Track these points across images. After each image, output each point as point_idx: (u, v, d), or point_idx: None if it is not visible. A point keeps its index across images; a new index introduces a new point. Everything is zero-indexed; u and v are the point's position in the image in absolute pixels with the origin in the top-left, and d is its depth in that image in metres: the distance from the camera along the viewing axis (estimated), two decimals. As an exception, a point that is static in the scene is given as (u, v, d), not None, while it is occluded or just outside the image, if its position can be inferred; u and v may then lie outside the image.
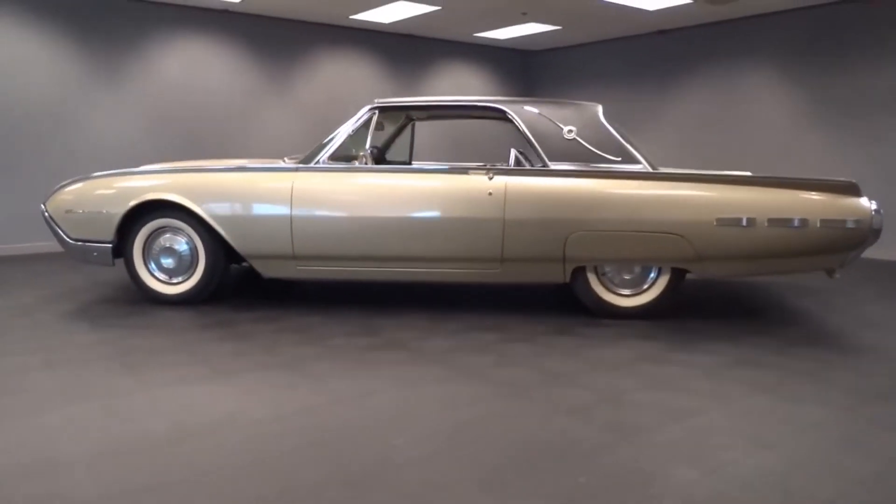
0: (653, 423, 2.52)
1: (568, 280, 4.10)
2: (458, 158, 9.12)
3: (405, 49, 8.97)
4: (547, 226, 3.97)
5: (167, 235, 4.39)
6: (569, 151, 4.08)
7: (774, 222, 3.79)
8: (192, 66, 7.47)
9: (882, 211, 3.81)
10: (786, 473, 2.13)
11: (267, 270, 4.34)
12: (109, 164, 6.94)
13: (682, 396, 2.81)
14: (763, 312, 4.40)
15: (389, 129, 5.37)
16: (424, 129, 8.88)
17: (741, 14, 7.58)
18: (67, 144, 6.82)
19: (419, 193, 4.09)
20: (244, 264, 4.60)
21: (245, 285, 5.08)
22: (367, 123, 4.29)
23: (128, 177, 4.40)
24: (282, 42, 8.01)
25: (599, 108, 4.21)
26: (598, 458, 2.22)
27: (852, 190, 3.83)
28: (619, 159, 4.06)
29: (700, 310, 4.46)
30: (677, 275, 4.06)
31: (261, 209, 4.20)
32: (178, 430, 2.40)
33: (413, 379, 3.00)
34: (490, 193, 4.00)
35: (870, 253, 6.61)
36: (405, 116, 5.42)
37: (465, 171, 4.12)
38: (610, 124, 4.19)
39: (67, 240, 4.45)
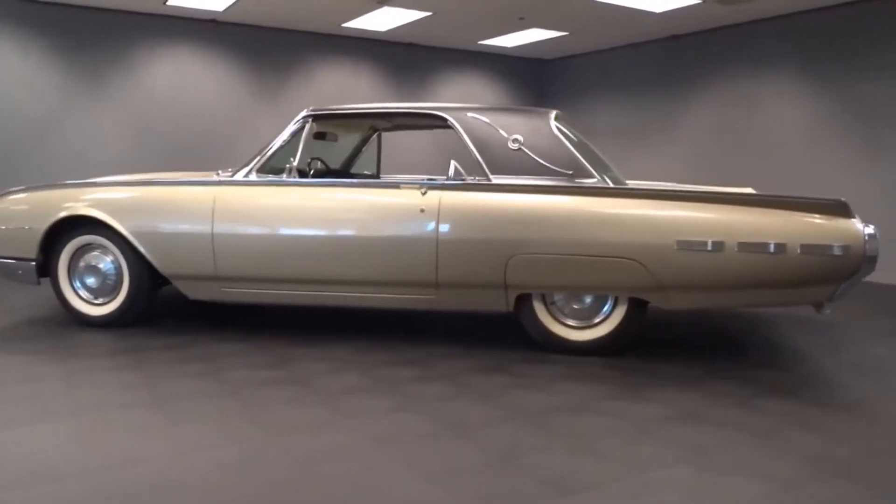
0: (530, 499, 2.03)
1: (511, 309, 3.62)
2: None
3: (407, 58, 8.63)
4: (485, 247, 3.50)
5: (95, 253, 4.10)
6: (514, 163, 3.61)
7: (746, 247, 3.23)
8: (179, 77, 7.29)
9: (878, 235, 3.20)
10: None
11: (191, 292, 3.99)
12: (94, 176, 6.79)
13: (588, 462, 2.30)
14: (743, 350, 3.82)
15: (351, 141, 5.00)
16: (409, 140, 8.45)
17: (759, 16, 6.94)
18: (52, 156, 6.70)
19: (344, 210, 3.69)
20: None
21: (214, 308, 4.76)
22: (300, 133, 3.92)
23: (53, 190, 4.14)
24: (273, 52, 7.78)
25: (552, 115, 3.73)
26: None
27: (840, 210, 3.23)
28: (570, 172, 3.56)
29: (669, 345, 3.90)
30: (636, 306, 3.52)
31: (182, 226, 3.86)
32: (-40, 488, 2.04)
33: (285, 424, 2.57)
34: (422, 210, 3.56)
35: (891, 277, 5.87)
36: (369, 127, 5.04)
37: (396, 185, 3.69)
38: (564, 133, 3.71)
39: (-7, 257, 4.21)
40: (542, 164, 3.58)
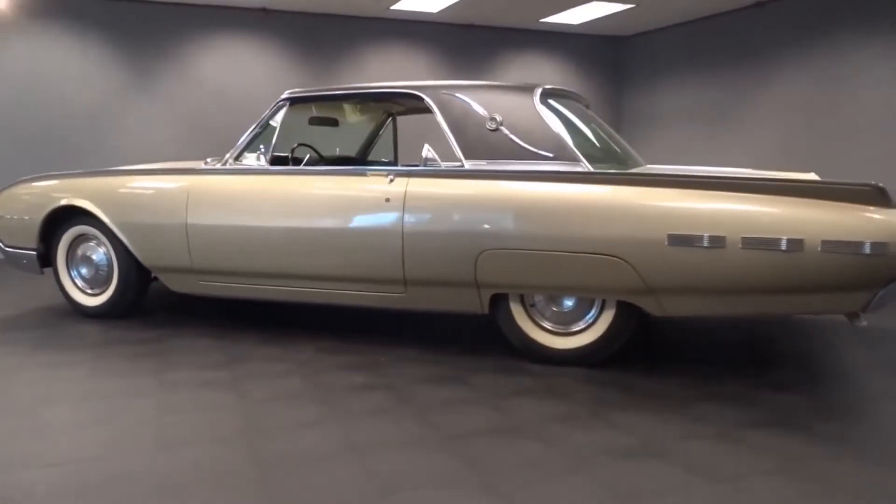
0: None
1: (486, 311, 3.20)
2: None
3: (463, 41, 8.22)
4: (452, 241, 3.11)
5: (91, 243, 4.08)
6: (491, 146, 3.19)
7: (751, 242, 2.64)
8: (229, 67, 7.32)
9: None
10: None
11: (173, 285, 3.88)
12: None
13: (473, 501, 1.90)
14: (754, 367, 3.18)
15: (359, 125, 4.73)
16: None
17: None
18: (105, 148, 6.92)
19: (308, 200, 3.41)
20: None
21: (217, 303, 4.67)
22: (276, 118, 3.68)
23: (52, 181, 4.16)
24: (323, 38, 7.63)
25: (538, 91, 3.26)
26: None
27: (875, 198, 2.57)
28: (551, 156, 3.09)
29: (676, 358, 3.33)
30: (627, 311, 3.00)
31: (159, 217, 3.74)
32: None
33: (175, 435, 2.34)
34: (388, 199, 3.22)
35: None
36: (383, 111, 4.75)
37: (363, 172, 3.37)
38: (553, 111, 3.24)
39: (3, 246, 4.31)
40: (521, 146, 3.13)
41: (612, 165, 3.36)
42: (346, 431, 2.37)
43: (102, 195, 3.91)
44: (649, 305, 2.89)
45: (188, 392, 2.78)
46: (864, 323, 2.71)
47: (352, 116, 4.52)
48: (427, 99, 3.35)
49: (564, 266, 2.92)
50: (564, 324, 3.14)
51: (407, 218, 3.17)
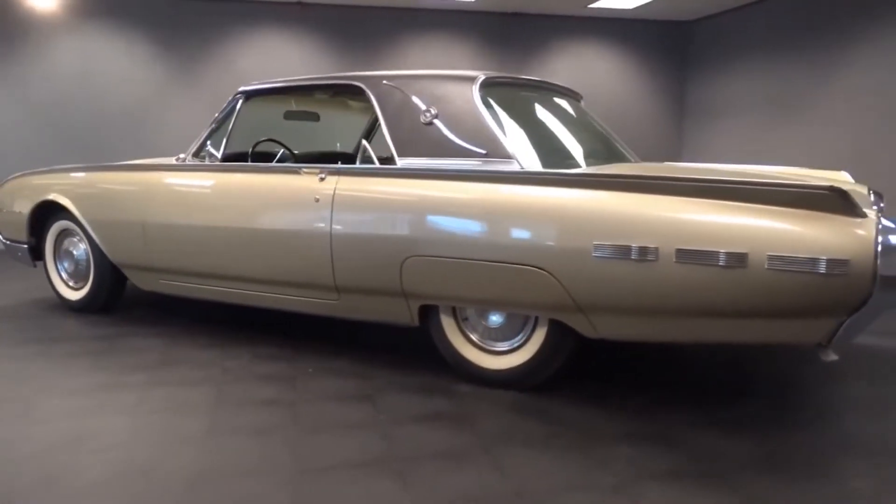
0: None
1: (416, 323, 2.92)
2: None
3: (509, 29, 7.85)
4: (377, 245, 2.84)
5: (74, 239, 4.13)
6: (424, 142, 2.89)
7: (687, 256, 2.22)
8: (267, 61, 7.33)
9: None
10: None
11: (139, 282, 3.85)
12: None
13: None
14: (708, 398, 2.70)
15: (360, 121, 4.52)
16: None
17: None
18: (147, 143, 7.12)
19: (241, 198, 3.25)
20: None
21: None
22: (232, 113, 3.55)
23: (42, 175, 4.23)
24: (361, 31, 7.50)
25: (479, 79, 2.92)
26: None
27: (835, 205, 2.07)
28: (484, 153, 2.75)
29: (625, 383, 2.90)
30: (561, 330, 2.62)
31: (122, 214, 3.71)
32: None
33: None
34: (317, 199, 3.00)
35: None
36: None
37: (296, 169, 3.16)
38: (496, 102, 2.90)
39: (3, 239, 4.45)
40: (453, 142, 2.82)
41: (573, 164, 2.98)
42: (211, 453, 2.18)
43: (76, 191, 3.93)
44: (580, 325, 2.50)
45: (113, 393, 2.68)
46: (834, 357, 2.21)
47: (335, 110, 4.32)
48: (367, 90, 3.10)
49: (486, 277, 2.59)
50: (494, 341, 2.80)
51: (335, 219, 2.93)
